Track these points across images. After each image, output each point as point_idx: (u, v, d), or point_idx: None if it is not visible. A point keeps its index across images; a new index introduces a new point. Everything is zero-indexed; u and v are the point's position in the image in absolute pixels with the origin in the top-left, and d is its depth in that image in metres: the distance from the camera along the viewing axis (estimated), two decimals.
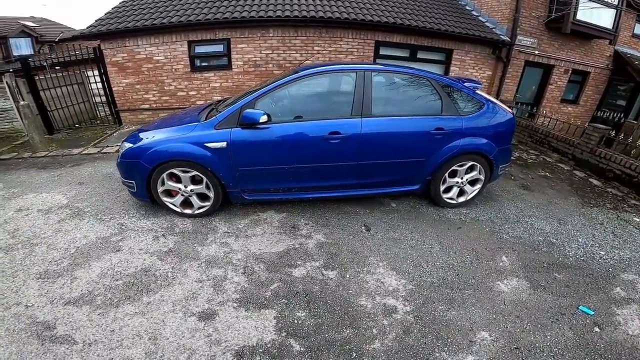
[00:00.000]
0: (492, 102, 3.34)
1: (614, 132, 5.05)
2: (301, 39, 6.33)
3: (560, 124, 6.01)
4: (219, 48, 6.27)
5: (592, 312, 2.34)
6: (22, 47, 17.62)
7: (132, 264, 2.54)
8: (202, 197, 3.12)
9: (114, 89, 6.34)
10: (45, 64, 7.45)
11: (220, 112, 2.95)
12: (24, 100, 5.85)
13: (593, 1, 6.28)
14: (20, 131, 6.45)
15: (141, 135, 3.09)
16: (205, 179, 2.96)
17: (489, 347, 2.01)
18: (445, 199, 3.49)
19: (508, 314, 2.27)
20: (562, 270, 2.76)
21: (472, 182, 3.52)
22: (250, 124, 2.76)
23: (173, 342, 1.90)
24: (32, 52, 17.64)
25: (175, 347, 1.88)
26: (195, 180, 3.02)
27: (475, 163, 3.35)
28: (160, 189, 3.02)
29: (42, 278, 2.38)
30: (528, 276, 2.66)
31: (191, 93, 6.46)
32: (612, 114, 8.14)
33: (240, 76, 6.43)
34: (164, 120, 3.58)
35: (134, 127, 6.38)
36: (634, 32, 9.64)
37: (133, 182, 3.02)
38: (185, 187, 3.02)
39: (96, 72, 6.72)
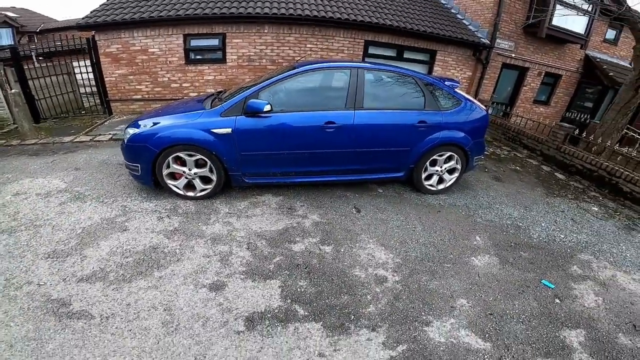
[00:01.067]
0: (469, 100, 3.62)
1: (577, 131, 5.48)
2: (295, 36, 6.42)
3: (531, 123, 6.42)
4: (215, 42, 6.25)
5: (553, 286, 2.63)
6: (1, 37, 16.73)
7: (140, 242, 2.61)
8: (205, 180, 3.21)
9: (106, 79, 6.19)
10: (32, 53, 7.13)
11: (225, 101, 3.05)
12: (11, 89, 5.62)
13: (568, 8, 6.62)
14: (6, 119, 6.17)
15: (143, 122, 3.12)
16: (209, 163, 3.07)
17: (468, 313, 2.25)
18: (427, 186, 3.76)
19: (482, 285, 2.54)
20: (527, 250, 3.07)
21: (450, 171, 3.81)
22: (254, 112, 2.91)
23: (187, 312, 2.02)
24: (12, 43, 16.71)
25: (190, 315, 1.99)
26: (198, 164, 3.11)
27: (453, 154, 3.64)
28: (165, 172, 3.09)
29: (51, 257, 2.40)
30: (498, 253, 2.95)
31: (184, 85, 6.40)
32: (579, 115, 8.67)
33: (234, 70, 6.44)
34: (163, 109, 3.60)
35: (125, 117, 6.26)
36: (606, 37, 10.14)
37: (138, 165, 3.07)
38: (190, 170, 3.11)
39: (83, 63, 6.53)
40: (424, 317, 2.16)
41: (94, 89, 7.01)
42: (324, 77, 3.33)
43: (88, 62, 6.51)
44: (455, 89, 3.59)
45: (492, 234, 3.24)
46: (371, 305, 2.21)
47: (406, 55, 7.22)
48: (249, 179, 3.23)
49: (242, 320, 1.99)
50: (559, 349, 2.04)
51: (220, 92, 3.87)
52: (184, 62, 6.21)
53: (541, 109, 9.93)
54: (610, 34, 10.25)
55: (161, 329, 1.89)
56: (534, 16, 7.35)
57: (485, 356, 1.93)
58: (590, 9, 8.20)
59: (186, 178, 3.16)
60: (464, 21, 7.96)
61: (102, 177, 3.71)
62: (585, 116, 8.79)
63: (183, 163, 3.10)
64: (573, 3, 7.09)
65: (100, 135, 5.26)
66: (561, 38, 8.61)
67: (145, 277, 2.26)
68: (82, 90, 7.29)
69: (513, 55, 8.58)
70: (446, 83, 3.59)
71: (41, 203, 3.13)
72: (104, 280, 2.21)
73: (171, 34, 5.95)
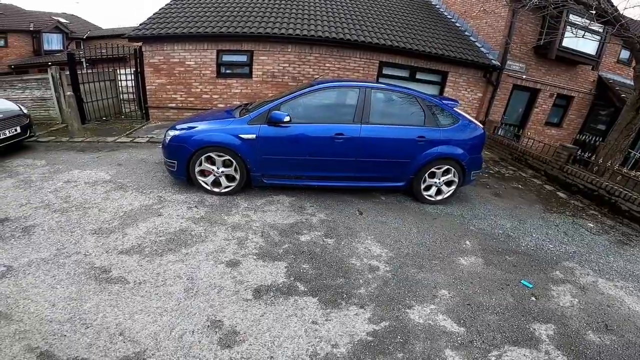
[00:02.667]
0: (466, 118, 3.93)
1: (580, 151, 5.56)
2: (315, 56, 6.94)
3: (538, 144, 6.52)
4: (243, 58, 6.87)
5: (532, 286, 2.80)
6: (52, 42, 17.58)
7: (172, 225, 3.04)
8: (229, 178, 3.66)
9: (147, 87, 6.88)
10: (83, 59, 7.98)
11: (251, 111, 3.55)
12: (64, 92, 6.34)
13: (579, 29, 6.60)
14: (55, 119, 6.91)
15: (182, 126, 3.64)
16: (234, 163, 3.52)
17: (447, 301, 2.49)
18: (425, 196, 4.04)
19: (464, 280, 2.76)
20: (513, 255, 3.25)
21: (448, 184, 4.07)
22: (276, 122, 3.37)
23: (206, 282, 2.38)
24: (62, 48, 17.56)
25: (208, 284, 2.36)
26: (225, 164, 3.56)
27: (450, 167, 3.92)
28: (197, 169, 3.57)
29: (97, 234, 2.84)
30: (484, 256, 3.16)
31: (214, 96, 7.02)
32: (592, 138, 8.42)
33: (258, 85, 7.00)
34: (198, 116, 4.17)
35: (160, 123, 6.92)
36: (619, 58, 9.94)
37: (175, 162, 3.56)
38: (218, 168, 3.57)
39: (126, 71, 7.22)
40: (408, 302, 2.42)
41: (131, 95, 7.68)
42: (336, 94, 3.78)
43: (129, 70, 7.17)
44: (454, 108, 3.91)
45: (482, 240, 3.44)
46: (362, 288, 2.50)
47: (418, 76, 7.53)
48: (267, 179, 3.65)
49: (251, 291, 2.34)
50: (527, 339, 2.22)
51: (247, 104, 4.40)
52: (215, 75, 6.84)
53: (553, 131, 9.78)
54: (625, 54, 9.88)
55: (183, 294, 2.24)
56: (544, 39, 7.40)
57: (458, 338, 2.15)
58: (602, 31, 8.05)
59: (214, 175, 3.62)
60: (476, 43, 8.20)
61: (141, 172, 4.24)
62: (598, 138, 8.55)
63: (212, 162, 3.57)
64: (583, 24, 7.06)
65: (139, 137, 5.89)
66: (572, 59, 8.52)
67: (174, 253, 2.66)
68: (122, 96, 7.99)
69: (524, 76, 8.58)
70: (445, 102, 3.92)
71: (89, 190, 3.65)
72: (140, 253, 2.62)
73: (206, 49, 6.61)
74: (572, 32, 6.55)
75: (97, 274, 2.35)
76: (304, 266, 2.66)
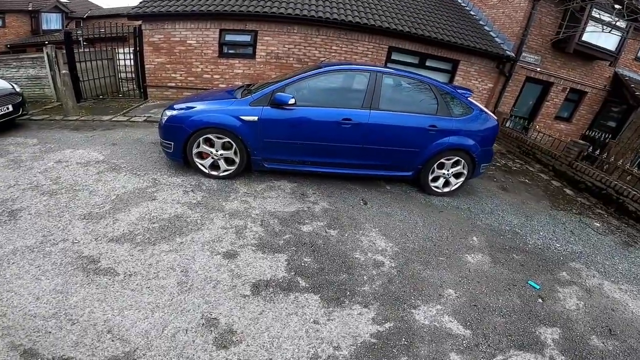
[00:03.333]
0: (480, 108, 3.69)
1: (591, 148, 5.37)
2: (322, 38, 6.56)
3: (548, 139, 6.31)
4: (247, 38, 6.50)
5: (539, 287, 2.69)
6: (52, 21, 17.17)
7: (166, 211, 2.85)
8: (228, 161, 3.45)
9: (146, 66, 6.56)
10: (80, 39, 7.63)
11: (254, 92, 3.29)
12: (60, 70, 6.05)
13: (604, 24, 6.23)
14: (50, 97, 6.67)
15: (180, 105, 3.39)
16: (234, 146, 3.30)
17: (454, 301, 2.36)
18: (433, 187, 3.85)
19: (471, 279, 2.63)
20: (520, 253, 3.11)
21: (457, 175, 3.87)
22: (280, 104, 3.12)
23: (201, 275, 2.21)
24: (61, 28, 17.08)
25: (203, 278, 2.19)
26: (224, 147, 3.34)
27: (460, 159, 3.71)
28: (194, 151, 3.35)
29: (87, 219, 2.64)
30: (491, 254, 3.02)
31: (215, 76, 6.69)
32: (601, 135, 8.15)
33: (261, 66, 6.67)
34: (197, 96, 3.90)
35: (158, 102, 6.62)
36: (638, 55, 9.56)
37: (172, 143, 3.33)
38: (217, 151, 3.36)
39: (122, 50, 6.89)
40: (413, 301, 2.29)
41: (129, 75, 7.40)
42: (345, 78, 3.51)
43: (127, 50, 6.87)
44: (468, 98, 3.67)
45: (489, 237, 3.30)
46: (366, 285, 2.36)
47: (428, 63, 7.22)
48: (268, 164, 3.44)
49: (249, 286, 2.18)
50: (532, 344, 2.12)
51: (250, 84, 4.12)
52: (217, 55, 6.49)
53: (562, 125, 9.53)
54: None
55: (176, 288, 2.08)
56: (564, 32, 7.05)
57: (464, 341, 2.05)
58: (625, 26, 7.68)
59: (212, 158, 3.40)
60: (491, 33, 7.83)
61: (136, 153, 4.01)
62: (607, 135, 8.29)
63: (211, 144, 3.35)
64: (608, 19, 6.67)
65: (136, 116, 5.61)
66: (590, 54, 8.19)
67: (168, 242, 2.48)
68: (120, 75, 7.69)
69: (538, 69, 8.28)
70: (459, 91, 3.67)
71: (80, 171, 3.43)
72: (131, 242, 2.43)
73: (209, 28, 6.24)
74: (596, 27, 6.16)
75: (84, 264, 2.17)
76: (306, 259, 2.50)
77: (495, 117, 3.79)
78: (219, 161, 3.41)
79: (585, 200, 4.92)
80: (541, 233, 3.60)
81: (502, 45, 7.40)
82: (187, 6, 6.07)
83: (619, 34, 7.59)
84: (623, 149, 5.46)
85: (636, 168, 4.93)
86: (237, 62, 6.62)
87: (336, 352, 1.82)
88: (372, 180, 3.99)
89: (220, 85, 6.72)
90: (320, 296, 2.19)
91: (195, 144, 3.30)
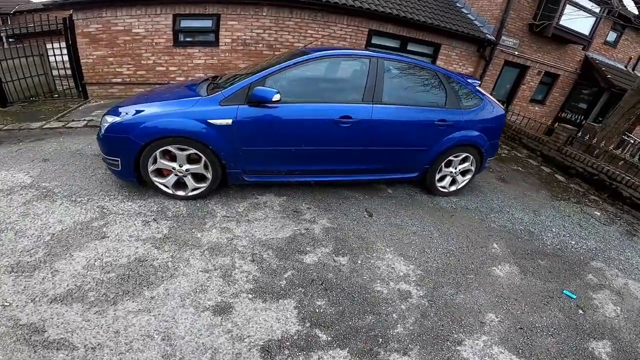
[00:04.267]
0: (489, 98, 3.49)
1: (580, 133, 5.51)
2: (295, 21, 6.05)
3: (532, 123, 6.43)
4: (207, 24, 5.76)
5: (575, 296, 2.59)
6: None
7: (123, 253, 2.25)
8: (198, 177, 2.86)
9: (82, 61, 5.59)
10: (2, 35, 6.35)
11: (224, 87, 2.70)
12: None
13: (578, 8, 6.47)
14: None
15: (125, 109, 2.72)
16: (204, 158, 2.71)
17: (498, 328, 2.15)
18: (439, 187, 3.62)
19: (507, 297, 2.43)
20: (544, 258, 3.01)
21: (463, 173, 3.68)
22: (260, 101, 2.58)
23: (191, 342, 1.72)
24: None
25: (195, 347, 1.70)
26: (191, 159, 2.75)
27: (469, 155, 3.50)
28: (150, 168, 2.71)
29: (16, 272, 2.00)
30: (517, 262, 2.87)
31: (171, 69, 5.90)
32: (574, 116, 8.72)
33: (227, 54, 6.00)
34: (148, 94, 3.19)
35: (102, 102, 5.66)
36: (606, 39, 10.26)
37: (118, 159, 2.67)
38: (180, 166, 2.74)
39: (57, 45, 5.85)
40: (455, 336, 2.03)
41: (69, 71, 6.34)
42: (340, 66, 3.04)
43: (64, 44, 5.84)
44: (477, 87, 3.42)
45: (508, 241, 3.16)
46: (399, 326, 2.02)
47: (410, 47, 7.05)
48: (249, 177, 2.92)
49: (257, 350, 1.73)
50: None
51: (215, 77, 3.49)
52: (171, 44, 5.71)
53: (537, 107, 10.07)
54: (611, 36, 10.39)
55: None
56: (542, 15, 7.26)
57: None
58: (604, 12, 8.19)
59: (176, 175, 2.80)
60: (469, 15, 7.85)
61: (74, 171, 3.24)
62: (580, 117, 8.92)
63: (173, 158, 2.73)
64: (586, 5, 6.97)
65: (73, 121, 4.68)
66: (566, 38, 8.64)
67: (134, 298, 1.93)
68: (56, 73, 6.55)
69: (516, 53, 8.55)
70: (469, 80, 3.42)
71: (2, 202, 2.66)
72: (82, 302, 1.86)
73: (159, 14, 5.42)
74: (574, 10, 6.33)
75: (26, 335, 1.63)
76: (319, 302, 2.08)
77: (502, 107, 3.58)
78: (184, 178, 2.82)
79: (578, 186, 5.06)
80: (554, 230, 3.55)
81: (481, 28, 7.45)
82: None
83: (592, 18, 7.96)
84: (610, 133, 5.69)
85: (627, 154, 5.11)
86: (197, 51, 5.87)
87: None
88: (371, 185, 3.65)
89: (178, 79, 5.94)
90: (349, 350, 1.81)
91: (151, 159, 2.67)
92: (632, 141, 7.74)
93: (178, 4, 5.39)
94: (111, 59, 5.60)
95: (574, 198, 4.58)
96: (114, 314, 1.81)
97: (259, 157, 2.83)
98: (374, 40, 6.66)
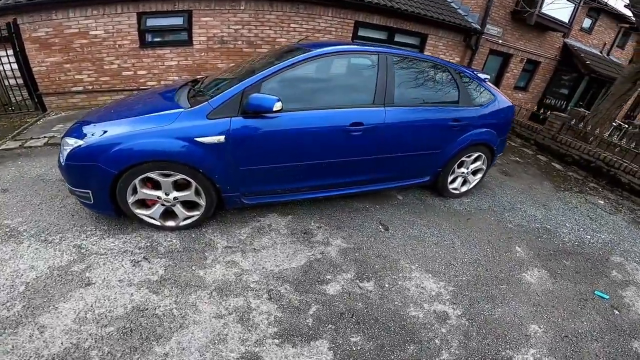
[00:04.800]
0: (499, 93, 3.45)
1: (573, 121, 5.68)
2: (276, 14, 5.80)
3: (517, 109, 6.58)
4: (178, 21, 5.38)
5: (608, 296, 2.62)
6: None
7: (118, 302, 1.98)
8: (189, 205, 2.59)
9: (34, 69, 5.04)
10: None
11: (210, 96, 2.40)
12: None
13: None
14: None
15: (90, 128, 2.35)
16: (194, 184, 2.43)
17: (544, 339, 2.13)
18: (451, 190, 3.58)
19: (544, 305, 2.42)
20: (567, 257, 3.04)
21: (474, 172, 3.66)
22: (258, 111, 2.30)
23: None
24: None
25: None
26: (179, 185, 2.47)
27: (481, 154, 3.47)
28: (131, 200, 2.40)
29: None
30: (544, 265, 2.87)
31: (140, 73, 5.47)
32: (555, 101, 9.15)
33: (202, 54, 5.66)
34: (116, 106, 2.82)
35: (64, 114, 5.15)
36: (582, 26, 10.89)
37: (88, 191, 2.32)
38: (167, 194, 2.44)
39: (5, 53, 5.25)
40: (503, 353, 1.99)
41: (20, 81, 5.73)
42: (345, 64, 2.82)
43: (8, 52, 5.25)
44: (487, 82, 3.38)
45: (529, 242, 3.16)
46: (444, 352, 1.93)
47: (397, 38, 7.03)
48: (249, 199, 2.67)
49: None
50: None
51: (195, 81, 3.19)
52: (138, 45, 5.28)
53: (520, 94, 10.52)
54: (587, 22, 11.09)
55: None
56: (524, 2, 7.49)
57: None
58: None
59: (163, 205, 2.50)
60: (452, 4, 7.97)
61: (39, 203, 2.87)
62: (562, 102, 9.39)
63: (156, 185, 2.43)
64: None
65: (32, 139, 4.20)
66: (547, 26, 9.09)
67: (145, 356, 1.69)
68: (8, 82, 5.89)
69: (500, 41, 8.85)
70: (480, 75, 3.36)
71: None
72: None
73: (120, 13, 4.98)
74: None
75: None
76: (354, 339, 1.93)
77: (510, 100, 3.56)
78: (173, 207, 2.53)
79: (576, 174, 5.25)
80: (567, 225, 3.62)
81: (466, 17, 7.56)
82: None
83: (572, 5, 8.35)
84: (602, 119, 5.91)
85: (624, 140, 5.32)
86: (169, 51, 5.48)
87: None
88: (380, 193, 3.52)
89: (150, 84, 5.52)
90: None
91: (129, 189, 2.35)
92: (619, 125, 8.17)
93: (141, 2, 5.00)
94: (68, 65, 5.11)
95: (575, 187, 4.72)
96: None
97: (259, 176, 2.58)
98: (361, 32, 6.59)
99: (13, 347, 1.65)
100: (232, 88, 2.39)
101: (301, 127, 2.52)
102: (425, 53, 7.26)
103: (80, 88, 5.31)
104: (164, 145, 2.25)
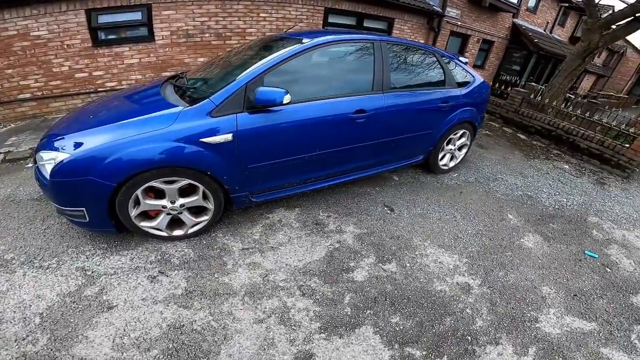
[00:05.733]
0: (476, 75, 3.71)
1: (532, 95, 6.14)
2: (245, 4, 5.50)
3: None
4: (136, 16, 4.87)
5: (597, 255, 2.91)
6: None
7: (150, 322, 1.86)
8: (197, 210, 2.47)
9: None
10: None
11: (212, 93, 2.26)
12: None
13: None
14: None
15: (70, 138, 2.09)
16: (201, 187, 2.31)
17: (558, 299, 2.36)
18: (441, 166, 3.81)
19: (548, 267, 2.67)
20: (553, 220, 3.35)
21: (460, 148, 3.90)
22: (266, 105, 2.22)
23: None
24: None
25: None
26: (183, 191, 2.33)
27: (465, 130, 3.71)
28: (133, 213, 2.22)
29: None
30: (536, 230, 3.15)
31: (96, 74, 4.90)
32: (510, 77, 9.85)
33: (167, 49, 5.21)
34: (92, 112, 2.49)
35: (14, 125, 4.48)
36: (528, 6, 11.76)
37: (82, 209, 2.10)
38: (173, 202, 2.30)
39: None
40: (528, 315, 2.19)
41: None
42: (344, 53, 2.77)
43: None
44: (464, 64, 3.59)
45: (517, 208, 3.45)
46: (477, 320, 2.09)
47: (366, 24, 7.10)
48: (257, 197, 2.60)
49: None
50: (638, 315, 2.32)
51: (174, 77, 2.99)
52: (90, 44, 4.70)
53: (478, 72, 11.00)
54: (532, 2, 12.03)
55: None
56: None
57: (600, 334, 2.13)
58: None
59: (168, 214, 2.36)
60: None
61: (17, 226, 2.55)
62: (515, 78, 10.23)
63: (159, 194, 2.28)
64: None
65: None
66: (499, 7, 9.81)
67: None
68: None
69: (459, 23, 9.36)
70: (460, 59, 3.56)
71: None
72: None
73: (65, 11, 4.37)
74: None
75: None
76: (394, 320, 2.01)
77: (485, 80, 3.80)
78: (180, 215, 2.40)
79: (539, 142, 5.75)
80: (545, 190, 3.99)
81: (428, 0, 7.73)
82: None
83: None
84: (556, 92, 6.46)
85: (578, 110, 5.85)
86: (128, 49, 4.97)
87: None
88: (376, 176, 3.59)
89: (109, 85, 5.02)
90: (448, 357, 1.83)
91: (131, 201, 2.17)
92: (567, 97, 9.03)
93: None
94: (10, 70, 4.47)
95: (542, 155, 5.19)
96: None
97: (268, 173, 2.52)
98: (331, 19, 6.54)
99: None
100: (233, 83, 2.27)
101: (307, 118, 2.48)
102: (393, 36, 7.42)
103: (28, 95, 4.68)
104: (167, 150, 2.09)
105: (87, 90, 4.98)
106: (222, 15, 5.40)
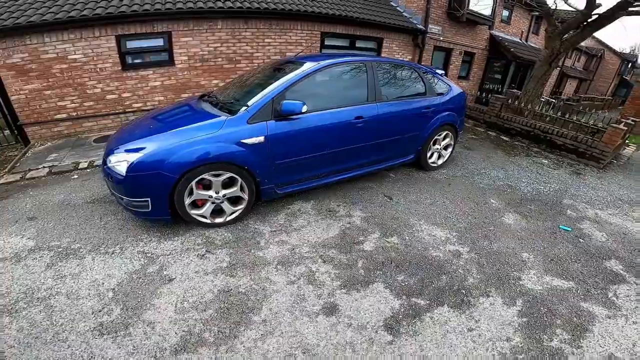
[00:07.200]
0: (452, 84, 4.29)
1: (510, 100, 6.67)
2: (251, 31, 6.08)
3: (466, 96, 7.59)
4: (158, 42, 5.40)
5: (571, 229, 3.29)
6: None
7: (203, 289, 2.25)
8: (234, 200, 2.93)
9: (12, 98, 4.68)
10: None
11: (248, 105, 2.79)
12: None
13: None
14: None
15: (136, 144, 2.60)
16: (240, 180, 2.80)
17: (537, 262, 2.72)
18: (430, 163, 4.31)
19: (526, 238, 3.06)
20: (531, 203, 3.77)
21: (446, 147, 4.43)
22: (289, 114, 2.77)
23: (327, 346, 1.87)
24: None
25: (332, 348, 1.86)
26: (224, 184, 2.81)
27: (449, 132, 4.27)
28: (187, 201, 2.69)
29: (106, 334, 1.89)
30: (515, 210, 3.57)
31: (125, 95, 5.39)
32: (493, 86, 10.46)
33: (185, 72, 5.73)
34: (150, 123, 3.03)
35: (51, 143, 4.93)
36: (502, 17, 12.52)
37: (147, 199, 2.57)
38: (217, 192, 2.77)
39: None
40: (512, 274, 2.56)
41: None
42: (343, 72, 3.33)
43: None
44: (442, 76, 4.19)
45: (499, 195, 3.88)
46: (469, 277, 2.48)
47: (358, 44, 7.65)
48: (281, 189, 3.07)
49: (383, 330, 1.99)
50: (613, 276, 2.63)
51: (203, 95, 3.55)
52: (120, 67, 5.21)
53: (464, 83, 11.87)
54: (505, 14, 12.78)
55: None
56: (455, 2, 8.68)
57: (578, 291, 2.43)
58: None
59: (213, 203, 2.81)
60: (398, 8, 8.76)
61: (79, 223, 2.96)
62: (498, 86, 10.88)
63: (206, 186, 2.75)
64: None
65: (30, 170, 4.08)
66: (476, 21, 10.47)
67: (249, 326, 1.99)
68: None
69: (441, 38, 10.05)
70: (437, 71, 4.16)
71: (19, 270, 2.36)
72: (205, 345, 1.85)
73: (99, 36, 4.89)
74: None
75: None
76: (400, 278, 2.42)
77: (461, 88, 4.38)
78: (221, 204, 2.86)
79: (520, 142, 6.22)
80: (524, 180, 4.42)
81: (411, 19, 8.42)
82: (57, 12, 4.58)
83: (491, 1, 9.86)
84: (531, 97, 7.01)
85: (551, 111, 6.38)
86: (151, 72, 5.48)
87: (511, 342, 1.95)
88: (376, 174, 4.06)
89: (135, 106, 5.51)
90: (448, 305, 2.21)
91: (187, 191, 2.65)
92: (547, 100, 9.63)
93: (119, 25, 4.97)
94: (49, 92, 4.92)
95: (522, 153, 5.66)
96: (243, 345, 1.86)
97: (290, 168, 3.01)
98: (327, 42, 7.11)
99: (135, 347, 1.82)
100: (263, 97, 2.82)
101: (320, 124, 3.02)
102: (383, 54, 8.01)
103: (64, 115, 5.13)
104: (219, 148, 2.61)
105: (117, 111, 5.45)
106: (232, 41, 5.95)
